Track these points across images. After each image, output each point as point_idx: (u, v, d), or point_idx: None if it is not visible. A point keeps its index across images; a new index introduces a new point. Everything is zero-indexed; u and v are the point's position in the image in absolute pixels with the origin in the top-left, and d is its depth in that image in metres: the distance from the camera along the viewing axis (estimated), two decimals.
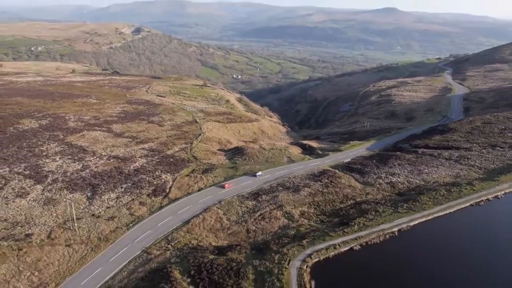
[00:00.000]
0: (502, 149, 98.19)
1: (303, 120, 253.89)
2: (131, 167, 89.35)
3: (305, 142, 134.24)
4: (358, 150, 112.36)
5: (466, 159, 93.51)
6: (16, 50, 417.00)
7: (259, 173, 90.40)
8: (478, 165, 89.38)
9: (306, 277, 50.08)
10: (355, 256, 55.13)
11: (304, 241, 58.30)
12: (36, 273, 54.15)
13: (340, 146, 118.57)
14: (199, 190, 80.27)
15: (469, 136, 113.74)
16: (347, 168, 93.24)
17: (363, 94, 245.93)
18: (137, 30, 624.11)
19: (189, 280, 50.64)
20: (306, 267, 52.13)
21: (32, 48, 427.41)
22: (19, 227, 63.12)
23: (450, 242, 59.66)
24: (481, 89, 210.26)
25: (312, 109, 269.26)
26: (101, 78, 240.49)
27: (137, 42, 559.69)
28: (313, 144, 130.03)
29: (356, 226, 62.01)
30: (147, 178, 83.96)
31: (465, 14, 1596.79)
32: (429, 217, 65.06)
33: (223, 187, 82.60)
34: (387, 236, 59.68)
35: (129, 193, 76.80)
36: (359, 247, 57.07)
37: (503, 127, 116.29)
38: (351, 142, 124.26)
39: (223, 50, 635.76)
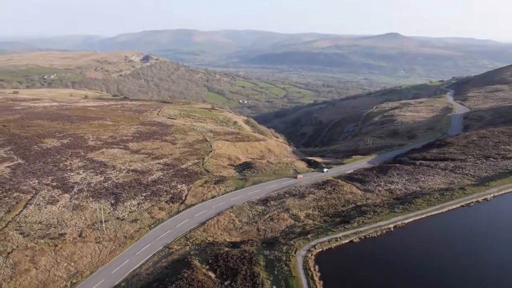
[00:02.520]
0: (495, 160, 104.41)
1: (309, 141, 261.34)
2: (149, 178, 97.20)
3: (310, 158, 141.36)
4: (360, 163, 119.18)
5: (460, 169, 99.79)
6: (30, 79, 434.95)
7: (325, 169, 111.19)
8: (472, 173, 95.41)
9: (311, 263, 56.89)
10: (355, 247, 61.64)
11: (309, 236, 65.15)
12: (72, 264, 61.84)
13: (343, 160, 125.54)
14: (212, 198, 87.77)
15: (464, 149, 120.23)
16: (349, 178, 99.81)
17: (366, 115, 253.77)
18: (146, 58, 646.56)
19: (207, 267, 57.71)
20: (311, 255, 58.84)
21: (45, 76, 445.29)
22: (52, 228, 70.93)
23: (439, 236, 66.18)
24: (481, 108, 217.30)
25: (317, 131, 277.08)
26: (113, 103, 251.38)
27: (145, 69, 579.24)
28: (318, 159, 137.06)
29: (356, 223, 68.56)
30: (164, 187, 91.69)
31: (469, 38, 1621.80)
32: (422, 216, 71.42)
33: (295, 177, 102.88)
34: (384, 231, 66.16)
35: (149, 200, 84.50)
36: (358, 240, 63.70)
37: (497, 141, 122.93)
38: (353, 157, 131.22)
39: (229, 76, 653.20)
